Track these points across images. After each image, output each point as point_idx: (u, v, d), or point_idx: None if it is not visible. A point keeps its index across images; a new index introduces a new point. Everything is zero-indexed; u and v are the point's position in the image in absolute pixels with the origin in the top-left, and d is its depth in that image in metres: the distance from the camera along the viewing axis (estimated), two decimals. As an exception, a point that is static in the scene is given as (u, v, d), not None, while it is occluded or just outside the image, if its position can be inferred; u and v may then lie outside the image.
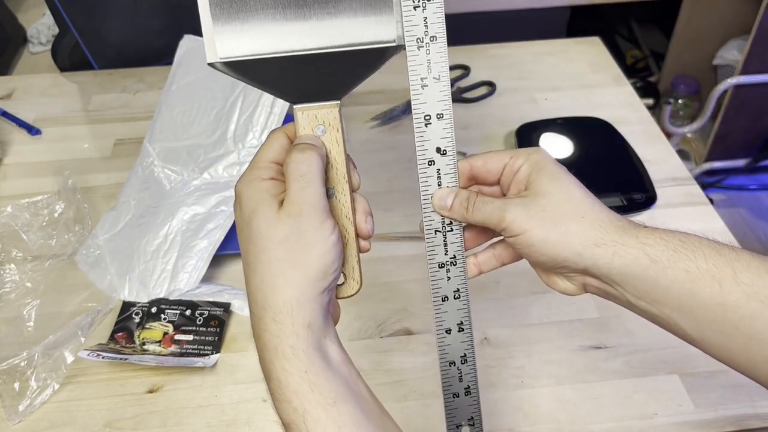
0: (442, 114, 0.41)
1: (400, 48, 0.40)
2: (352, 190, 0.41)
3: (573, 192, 0.40)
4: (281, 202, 0.37)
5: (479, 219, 0.41)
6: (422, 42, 0.40)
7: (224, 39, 0.38)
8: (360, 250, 0.42)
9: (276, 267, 0.36)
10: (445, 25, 0.40)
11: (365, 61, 0.40)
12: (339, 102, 0.40)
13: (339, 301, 0.42)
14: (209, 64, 0.39)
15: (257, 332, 0.37)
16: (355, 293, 0.42)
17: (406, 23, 0.39)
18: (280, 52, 0.39)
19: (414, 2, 0.39)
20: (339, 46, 0.39)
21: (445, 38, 0.40)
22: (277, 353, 0.35)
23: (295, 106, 0.39)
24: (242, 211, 0.37)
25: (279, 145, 0.39)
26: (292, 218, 0.36)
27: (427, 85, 0.40)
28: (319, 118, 0.39)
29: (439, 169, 0.42)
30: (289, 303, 0.35)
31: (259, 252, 0.36)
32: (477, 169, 0.43)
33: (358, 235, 0.41)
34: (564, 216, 0.39)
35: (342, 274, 0.41)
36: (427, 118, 0.41)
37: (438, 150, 0.42)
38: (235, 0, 0.38)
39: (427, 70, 0.40)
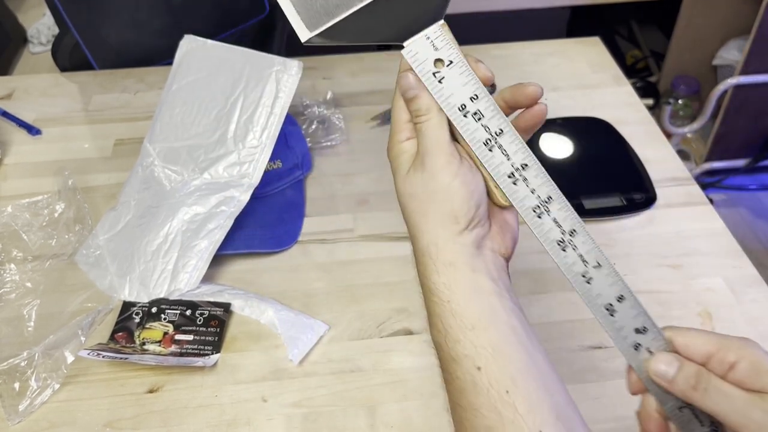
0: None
1: None
2: (485, 83, 0.40)
3: None
4: None
5: (710, 409, 0.36)
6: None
7: (308, 17, 0.39)
8: (535, 116, 0.41)
9: (413, 219, 0.40)
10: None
11: None
12: (442, 21, 0.39)
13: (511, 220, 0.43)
14: (305, 43, 0.39)
15: (418, 269, 0.41)
16: (509, 205, 0.41)
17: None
18: (360, 5, 0.38)
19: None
20: None
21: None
22: (426, 288, 0.40)
23: (405, 45, 0.39)
24: (392, 174, 0.42)
25: None
26: (417, 173, 0.40)
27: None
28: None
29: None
30: (427, 248, 0.39)
31: (404, 208, 0.41)
32: (678, 348, 0.39)
33: None
34: None
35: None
36: (608, 308, 0.39)
37: (637, 330, 0.38)
38: None
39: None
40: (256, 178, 0.73)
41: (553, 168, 0.81)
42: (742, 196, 1.80)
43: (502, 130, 0.39)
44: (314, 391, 0.62)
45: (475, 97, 0.39)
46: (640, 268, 0.73)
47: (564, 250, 0.39)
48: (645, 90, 1.93)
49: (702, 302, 0.69)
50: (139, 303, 0.68)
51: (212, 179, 0.73)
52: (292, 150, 0.82)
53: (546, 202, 0.39)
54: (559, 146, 0.85)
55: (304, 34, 0.39)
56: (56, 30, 1.21)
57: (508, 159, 0.39)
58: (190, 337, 0.65)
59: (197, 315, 0.67)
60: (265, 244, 0.74)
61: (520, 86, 0.41)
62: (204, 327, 0.66)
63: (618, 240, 0.76)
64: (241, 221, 0.72)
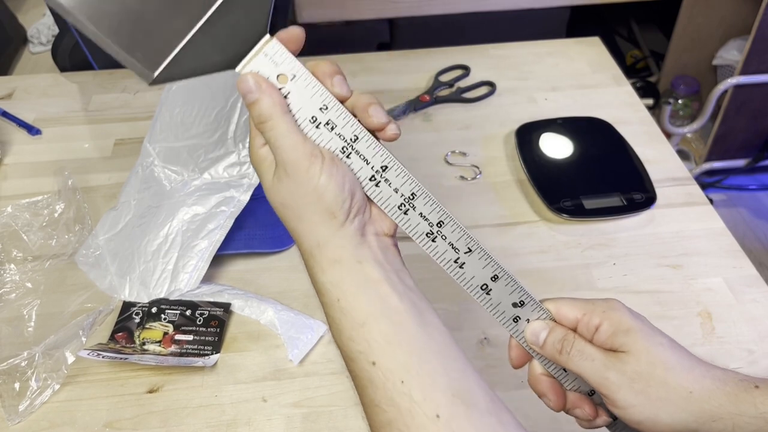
0: (493, 278, 0.41)
1: None
2: (342, 101, 0.39)
3: (671, 359, 0.38)
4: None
5: (574, 370, 0.40)
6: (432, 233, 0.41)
7: (145, 60, 0.37)
8: (386, 140, 0.40)
9: (291, 225, 0.39)
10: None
11: None
12: (268, 37, 0.38)
13: None
14: (151, 84, 0.38)
15: (307, 271, 0.41)
16: None
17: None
18: (188, 36, 0.37)
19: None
20: None
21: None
22: (316, 289, 0.39)
23: (238, 70, 0.38)
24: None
25: None
26: (282, 182, 0.37)
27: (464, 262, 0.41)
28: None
29: (526, 318, 0.42)
30: (310, 250, 0.38)
31: (279, 215, 0.39)
32: (554, 315, 0.42)
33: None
34: (672, 393, 0.37)
35: None
36: (484, 287, 0.41)
37: (514, 304, 0.42)
38: (132, 30, 0.36)
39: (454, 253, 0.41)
40: (256, 179, 0.73)
41: (553, 168, 0.81)
42: (742, 196, 1.80)
43: (356, 137, 0.39)
44: (314, 391, 0.62)
45: (324, 107, 0.38)
46: (640, 268, 0.73)
47: (434, 241, 0.41)
48: (645, 90, 1.93)
49: (702, 302, 0.69)
50: (139, 303, 0.68)
51: (212, 179, 0.74)
52: (292, 150, 0.82)
53: (410, 199, 0.40)
54: (559, 146, 0.85)
55: (147, 77, 0.37)
56: (56, 30, 1.21)
57: (368, 163, 0.39)
58: (190, 337, 0.65)
59: (197, 315, 0.67)
60: (265, 244, 0.74)
61: (369, 118, 0.39)
62: (204, 327, 0.66)
63: (618, 240, 0.76)
64: (241, 221, 0.72)
